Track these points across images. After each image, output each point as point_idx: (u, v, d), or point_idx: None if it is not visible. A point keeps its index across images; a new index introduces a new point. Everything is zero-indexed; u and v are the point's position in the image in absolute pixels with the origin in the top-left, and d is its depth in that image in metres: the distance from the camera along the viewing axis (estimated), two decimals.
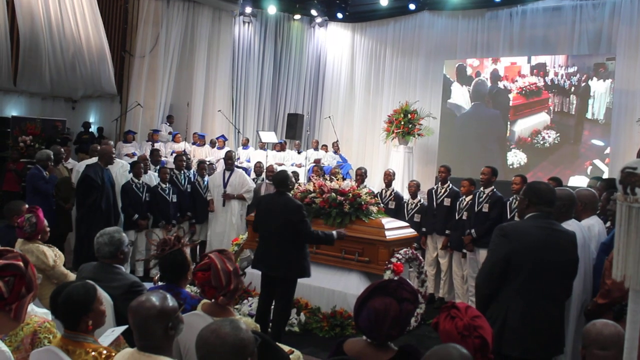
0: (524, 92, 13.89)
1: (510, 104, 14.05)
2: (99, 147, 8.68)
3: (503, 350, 3.53)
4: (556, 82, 13.49)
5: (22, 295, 2.96)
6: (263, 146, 14.86)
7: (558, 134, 13.45)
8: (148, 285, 4.17)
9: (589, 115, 13.11)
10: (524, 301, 3.56)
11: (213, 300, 3.40)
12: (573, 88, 13.27)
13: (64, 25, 12.39)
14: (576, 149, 13.31)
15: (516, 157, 13.82)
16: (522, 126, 13.94)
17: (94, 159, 8.18)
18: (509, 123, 14.04)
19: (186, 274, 3.89)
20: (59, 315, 2.89)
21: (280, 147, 15.17)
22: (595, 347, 2.81)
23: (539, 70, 13.68)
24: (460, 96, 14.86)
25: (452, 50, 15.51)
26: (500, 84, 14.19)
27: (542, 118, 13.70)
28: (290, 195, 5.88)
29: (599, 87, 12.98)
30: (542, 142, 13.64)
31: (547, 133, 13.56)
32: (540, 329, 3.57)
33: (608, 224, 4.74)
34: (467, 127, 14.47)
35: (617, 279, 1.78)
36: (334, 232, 5.84)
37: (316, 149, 15.23)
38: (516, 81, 13.99)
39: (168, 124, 14.75)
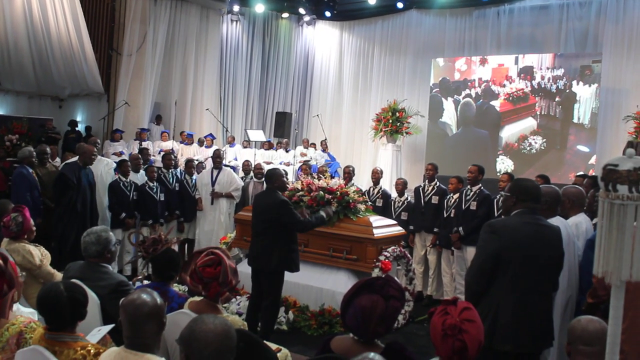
0: (511, 98, 13.99)
1: (498, 109, 14.14)
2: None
3: (495, 345, 3.57)
4: (543, 86, 13.59)
5: (4, 292, 2.96)
6: (247, 145, 14.84)
7: (544, 140, 13.56)
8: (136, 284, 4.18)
9: (574, 120, 13.23)
10: (514, 296, 3.60)
11: (214, 296, 3.38)
12: (559, 92, 13.38)
13: (49, 24, 12.30)
14: (562, 155, 13.42)
15: (503, 164, 13.89)
16: (509, 132, 14.04)
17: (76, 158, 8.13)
18: (499, 130, 14.15)
19: (178, 273, 3.90)
20: (64, 315, 2.86)
21: (269, 145, 15.16)
22: (580, 343, 2.84)
23: (526, 74, 13.77)
24: (445, 112, 14.96)
25: (440, 48, 15.57)
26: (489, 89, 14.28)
27: (529, 123, 13.82)
28: (278, 192, 5.90)
29: (585, 92, 13.10)
30: (528, 148, 13.75)
31: (534, 139, 13.67)
32: (531, 322, 3.62)
33: (594, 220, 4.78)
34: (455, 149, 14.51)
35: (598, 275, 1.80)
36: (322, 213, 6.03)
37: (307, 147, 15.22)
38: (504, 86, 14.07)
39: (155, 123, 14.72)
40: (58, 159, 10.30)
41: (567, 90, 13.26)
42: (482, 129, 14.38)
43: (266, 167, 10.31)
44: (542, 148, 13.59)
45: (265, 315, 5.74)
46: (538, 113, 13.67)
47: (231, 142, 15.03)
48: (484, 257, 3.69)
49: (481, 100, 14.44)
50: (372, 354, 2.08)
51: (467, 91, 14.58)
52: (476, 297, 3.69)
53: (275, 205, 5.69)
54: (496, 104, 14.19)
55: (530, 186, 3.81)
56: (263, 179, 9.25)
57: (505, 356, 3.62)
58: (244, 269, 6.11)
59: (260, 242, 5.75)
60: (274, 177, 5.92)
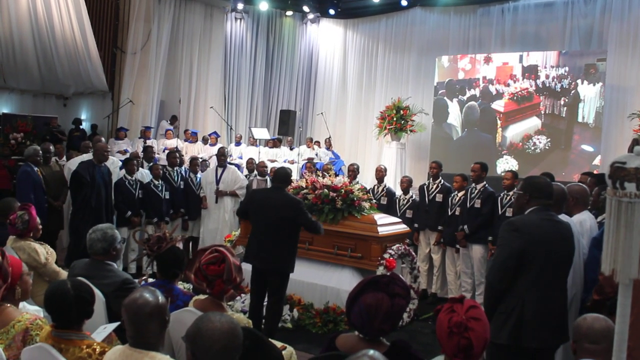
0: (515, 97, 13.95)
1: (502, 110, 14.12)
2: (91, 144, 8.66)
3: (523, 343, 3.59)
4: (547, 85, 13.55)
5: None
6: (254, 143, 14.85)
7: (549, 139, 13.52)
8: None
9: (579, 119, 13.18)
10: (538, 293, 3.62)
11: (219, 294, 3.38)
12: (563, 91, 13.33)
13: (54, 22, 12.32)
14: (566, 155, 13.37)
15: (507, 164, 13.82)
16: (514, 131, 14.00)
17: (85, 156, 8.16)
18: (500, 129, 14.12)
19: (183, 270, 3.91)
20: (70, 314, 2.86)
21: (273, 143, 15.16)
22: (586, 341, 2.83)
23: (531, 73, 13.73)
24: (451, 114, 14.95)
25: (444, 46, 15.53)
26: (492, 88, 14.24)
27: (533, 122, 13.76)
28: (287, 191, 5.89)
29: (589, 92, 13.05)
30: (533, 148, 13.70)
31: (538, 138, 13.62)
32: (553, 318, 3.65)
33: (599, 218, 4.77)
34: (459, 151, 14.47)
35: (605, 272, 1.79)
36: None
37: (309, 147, 15.22)
38: (508, 85, 14.04)
39: (170, 122, 14.73)
40: (65, 158, 10.34)
41: (573, 91, 13.21)
42: (486, 132, 14.34)
43: (270, 165, 10.33)
44: (547, 148, 13.53)
45: (270, 314, 5.73)
46: (542, 112, 13.62)
47: (238, 141, 15.04)
48: (507, 255, 3.69)
49: (480, 100, 14.42)
50: (371, 351, 2.07)
51: (472, 91, 14.54)
52: (499, 296, 3.70)
53: (291, 204, 5.65)
54: (500, 103, 14.15)
55: (542, 183, 3.84)
56: (266, 176, 9.29)
57: (526, 353, 3.64)
58: (249, 267, 6.11)
59: (270, 242, 5.64)
60: (285, 176, 5.90)
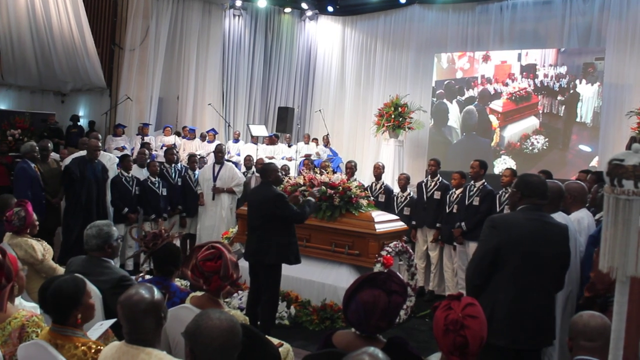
0: (513, 97, 13.96)
1: (500, 110, 14.13)
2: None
3: (490, 340, 3.55)
4: (545, 84, 13.56)
5: (2, 286, 2.95)
6: (255, 140, 14.84)
7: (547, 139, 13.53)
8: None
9: (577, 119, 13.20)
10: (512, 292, 3.58)
11: (215, 290, 3.37)
12: (561, 91, 13.34)
13: (52, 19, 12.29)
14: (564, 155, 13.39)
15: (505, 164, 13.80)
16: (512, 131, 14.01)
17: (82, 153, 8.16)
18: (498, 129, 14.14)
19: (179, 267, 3.91)
20: (48, 309, 2.87)
21: (270, 140, 15.13)
22: (582, 339, 2.83)
23: (529, 72, 13.73)
24: (450, 115, 14.96)
25: (442, 43, 15.55)
26: (490, 87, 14.24)
27: (531, 122, 13.80)
28: (273, 186, 5.89)
29: (587, 91, 13.05)
30: (531, 148, 13.71)
31: (536, 138, 13.64)
32: (528, 319, 3.59)
33: (597, 216, 4.76)
34: (458, 154, 14.44)
35: (603, 270, 1.79)
36: (310, 199, 6.02)
37: (307, 143, 15.21)
38: (507, 84, 14.04)
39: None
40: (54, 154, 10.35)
41: (572, 91, 13.22)
42: (484, 136, 14.37)
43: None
44: (545, 147, 13.54)
45: (265, 310, 5.76)
46: (540, 112, 13.64)
47: (236, 138, 15.02)
48: (484, 251, 3.68)
49: (476, 102, 14.43)
50: (371, 349, 2.06)
51: (471, 91, 14.54)
52: (477, 292, 3.68)
53: (271, 199, 5.69)
54: (498, 103, 14.16)
55: (536, 182, 3.78)
56: None
57: (505, 352, 3.60)
58: (245, 264, 6.11)
59: (257, 236, 5.77)
60: (269, 171, 5.94)
